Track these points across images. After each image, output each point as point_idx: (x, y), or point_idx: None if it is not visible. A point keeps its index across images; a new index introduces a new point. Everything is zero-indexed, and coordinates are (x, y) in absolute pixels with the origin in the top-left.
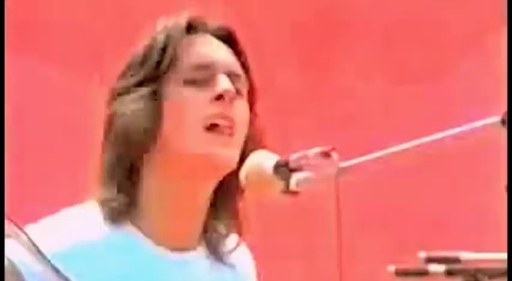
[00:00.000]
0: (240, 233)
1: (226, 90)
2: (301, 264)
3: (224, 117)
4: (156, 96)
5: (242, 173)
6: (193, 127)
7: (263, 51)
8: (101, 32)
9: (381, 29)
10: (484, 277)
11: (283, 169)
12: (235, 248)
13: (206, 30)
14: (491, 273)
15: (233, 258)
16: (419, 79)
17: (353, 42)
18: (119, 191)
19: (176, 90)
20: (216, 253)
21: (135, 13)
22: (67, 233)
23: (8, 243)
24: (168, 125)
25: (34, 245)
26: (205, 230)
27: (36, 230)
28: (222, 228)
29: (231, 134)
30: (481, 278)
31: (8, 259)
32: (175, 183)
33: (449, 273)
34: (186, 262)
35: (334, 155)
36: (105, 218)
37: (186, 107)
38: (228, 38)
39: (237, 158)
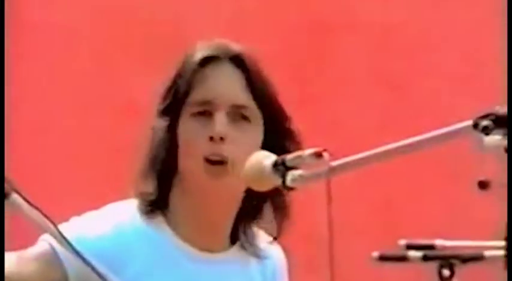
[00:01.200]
0: (279, 234)
1: (217, 133)
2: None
3: (215, 155)
4: (174, 128)
5: (244, 170)
6: (194, 159)
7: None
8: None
9: (368, 38)
10: (456, 261)
11: (281, 167)
12: (269, 244)
13: (224, 57)
14: (463, 258)
15: (265, 254)
16: (402, 84)
17: (341, 50)
18: (156, 188)
19: (186, 123)
20: (250, 248)
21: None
22: (108, 224)
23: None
24: (181, 152)
25: (64, 238)
26: (236, 235)
27: (83, 221)
28: (253, 226)
29: (222, 167)
30: (454, 262)
31: (51, 246)
32: (194, 202)
33: (426, 258)
34: (213, 262)
35: (326, 155)
36: (140, 211)
37: (190, 141)
38: (244, 66)
39: (236, 184)
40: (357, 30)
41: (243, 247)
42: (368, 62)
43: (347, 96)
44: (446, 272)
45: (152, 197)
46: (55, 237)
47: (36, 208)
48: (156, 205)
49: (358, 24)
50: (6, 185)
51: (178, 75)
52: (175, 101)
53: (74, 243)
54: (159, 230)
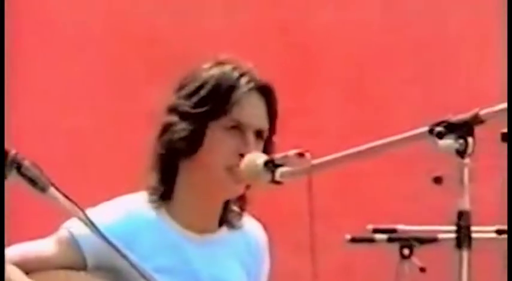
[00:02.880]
0: (243, 209)
1: (247, 151)
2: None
3: (237, 168)
4: (202, 132)
5: (241, 168)
6: (218, 164)
7: None
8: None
9: (346, 58)
10: (415, 242)
11: (271, 165)
12: (241, 219)
13: (254, 87)
14: (420, 240)
15: (248, 231)
16: (373, 98)
17: (321, 68)
18: (162, 182)
19: (219, 131)
20: (233, 226)
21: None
22: (119, 212)
23: (72, 220)
24: (203, 151)
25: (90, 221)
26: (224, 216)
27: (99, 208)
28: (235, 208)
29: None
30: (413, 243)
31: (70, 232)
32: (201, 189)
33: (389, 240)
34: (207, 241)
35: (307, 155)
36: (149, 202)
37: (220, 147)
38: (268, 95)
39: (243, 189)
40: (334, 53)
41: (230, 227)
42: (342, 79)
43: (326, 109)
44: (406, 252)
45: (159, 192)
46: (84, 222)
47: (69, 199)
48: (162, 197)
49: (335, 48)
50: (44, 180)
51: (215, 87)
52: (209, 113)
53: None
54: (162, 218)
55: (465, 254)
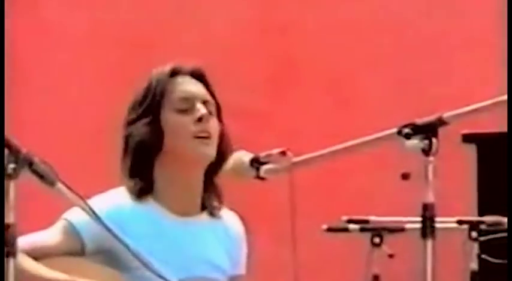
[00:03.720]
0: (220, 201)
1: (203, 115)
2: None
3: (204, 131)
4: (156, 122)
5: (228, 165)
6: (184, 139)
7: (240, 87)
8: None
9: (328, 61)
10: (384, 232)
11: (256, 163)
12: (220, 210)
13: (185, 72)
14: (390, 229)
15: (226, 220)
16: (353, 99)
17: (303, 71)
18: (138, 179)
19: (170, 116)
20: (213, 215)
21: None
22: (109, 204)
23: (71, 211)
24: (168, 138)
25: (91, 209)
26: (204, 204)
27: (92, 200)
28: (215, 201)
29: (208, 140)
30: (383, 233)
31: (69, 221)
32: (177, 172)
33: (362, 230)
34: (190, 223)
35: (289, 153)
36: (131, 197)
37: (179, 127)
38: (201, 77)
39: (214, 153)
40: (315, 55)
41: (210, 213)
42: (323, 82)
43: (307, 110)
44: (377, 240)
45: (138, 187)
46: (87, 212)
47: (74, 192)
48: (143, 191)
49: (316, 49)
50: (52, 176)
51: (151, 85)
52: (153, 103)
53: (87, 217)
54: (149, 207)
55: (429, 242)
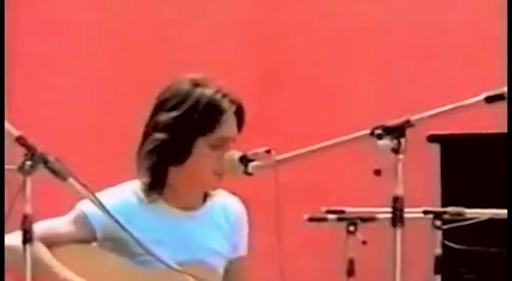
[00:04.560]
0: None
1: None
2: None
3: (221, 168)
4: (190, 145)
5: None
6: (205, 171)
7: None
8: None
9: (307, 77)
10: (359, 221)
11: (244, 160)
12: (223, 196)
13: (231, 109)
14: (363, 219)
15: (227, 205)
16: (335, 101)
17: (289, 76)
18: (152, 180)
19: (204, 148)
20: (211, 196)
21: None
22: (118, 198)
23: (83, 202)
24: (191, 162)
25: (98, 200)
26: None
27: (103, 194)
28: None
29: (223, 176)
30: (357, 222)
31: (82, 211)
32: (188, 183)
33: (339, 219)
34: (193, 216)
35: (273, 152)
36: (142, 192)
37: (206, 160)
38: (241, 116)
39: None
40: (301, 60)
41: (211, 201)
42: (307, 89)
43: (290, 113)
44: (351, 229)
45: (151, 188)
46: (95, 204)
47: (84, 186)
48: (154, 191)
49: (302, 54)
50: (64, 172)
51: (199, 107)
52: (197, 131)
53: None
54: (155, 203)
55: (398, 230)
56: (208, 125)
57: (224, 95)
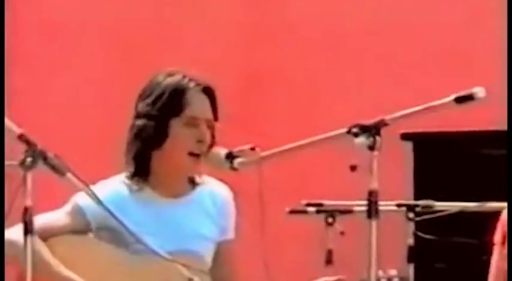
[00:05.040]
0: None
1: (203, 139)
2: None
3: (198, 150)
4: (165, 127)
5: (208, 158)
6: (181, 152)
7: (216, 91)
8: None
9: (286, 81)
10: (336, 213)
11: (230, 156)
12: (211, 182)
13: (199, 88)
14: (340, 211)
15: (214, 190)
16: (315, 100)
17: (271, 75)
18: (138, 166)
19: (178, 127)
20: (198, 183)
21: None
22: (110, 189)
23: (77, 195)
24: (168, 144)
25: (94, 194)
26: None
27: (95, 186)
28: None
29: (199, 158)
30: (335, 214)
31: (77, 204)
32: (170, 167)
33: (318, 212)
34: (181, 202)
35: (257, 149)
36: (130, 181)
37: (181, 140)
38: (211, 94)
39: (200, 168)
40: (282, 60)
41: (198, 187)
42: (286, 91)
43: (271, 113)
44: (330, 220)
45: (136, 173)
46: (91, 197)
47: (81, 180)
48: (139, 177)
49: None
50: (63, 167)
51: (169, 93)
52: (166, 111)
53: (91, 200)
54: (144, 192)
55: (374, 222)
56: (177, 105)
57: (190, 79)
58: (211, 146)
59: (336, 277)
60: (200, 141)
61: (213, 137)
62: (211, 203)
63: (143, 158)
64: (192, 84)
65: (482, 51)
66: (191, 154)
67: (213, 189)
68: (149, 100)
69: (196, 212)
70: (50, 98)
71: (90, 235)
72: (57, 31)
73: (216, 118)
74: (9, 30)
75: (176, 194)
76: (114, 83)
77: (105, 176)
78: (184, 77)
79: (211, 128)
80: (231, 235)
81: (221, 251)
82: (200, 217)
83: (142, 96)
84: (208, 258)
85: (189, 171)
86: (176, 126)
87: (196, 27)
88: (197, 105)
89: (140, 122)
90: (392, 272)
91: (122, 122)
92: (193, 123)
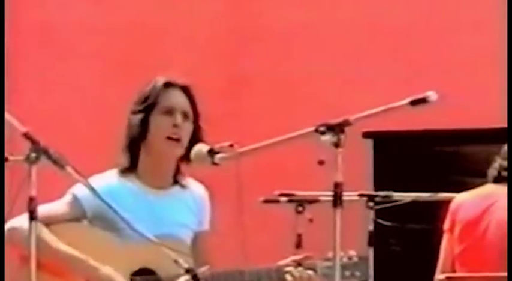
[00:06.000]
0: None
1: (178, 123)
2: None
3: (175, 134)
4: (147, 119)
5: (192, 154)
6: (161, 137)
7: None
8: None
9: (270, 82)
10: (305, 202)
11: (211, 152)
12: (190, 183)
13: (177, 86)
14: (309, 201)
15: (193, 189)
16: (284, 107)
17: (252, 79)
18: (128, 156)
19: (156, 117)
20: (182, 185)
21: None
22: (103, 181)
23: (77, 186)
24: (151, 133)
25: (90, 185)
26: (175, 179)
27: (91, 179)
28: (181, 176)
29: (178, 143)
30: (304, 203)
31: (75, 195)
32: (155, 157)
33: (289, 201)
34: (164, 194)
35: (236, 146)
36: (119, 173)
37: (159, 127)
38: (188, 92)
39: (181, 152)
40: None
41: (181, 186)
42: (267, 95)
43: (250, 114)
44: (300, 209)
45: (126, 165)
46: (88, 188)
47: (79, 173)
48: (129, 169)
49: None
50: (63, 161)
51: (150, 92)
52: (149, 106)
53: (87, 191)
54: (132, 183)
55: (338, 210)
56: (156, 100)
57: (170, 80)
58: (196, 141)
59: (303, 255)
60: (175, 126)
61: (198, 132)
62: (192, 200)
63: (132, 150)
64: (170, 84)
65: (435, 56)
66: (169, 138)
67: (192, 188)
68: (137, 100)
69: (178, 204)
70: (50, 98)
71: (85, 222)
72: (56, 33)
73: (196, 115)
74: (10, 32)
75: (161, 186)
76: (104, 84)
77: (101, 170)
78: (166, 78)
79: (188, 121)
80: (206, 226)
81: (198, 240)
82: (181, 208)
83: (135, 100)
84: (189, 242)
85: (169, 155)
86: (155, 117)
87: (183, 32)
88: (172, 98)
89: (130, 118)
90: (352, 252)
91: (116, 119)
92: (168, 111)
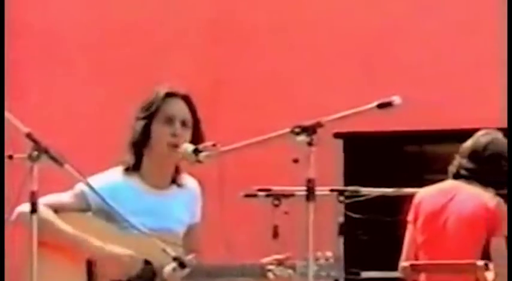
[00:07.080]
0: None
1: (176, 133)
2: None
3: (174, 142)
4: (150, 126)
5: (180, 150)
6: (161, 144)
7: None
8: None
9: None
10: (282, 197)
11: (196, 151)
12: (186, 179)
13: (178, 96)
14: (285, 195)
15: (188, 185)
16: (263, 110)
17: (228, 86)
18: (132, 157)
19: (158, 125)
20: (179, 185)
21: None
22: (105, 180)
23: (80, 183)
24: (153, 139)
25: (87, 182)
26: (173, 179)
27: (97, 176)
28: (178, 176)
29: (177, 149)
30: (280, 197)
31: (81, 189)
32: (156, 159)
33: (267, 196)
34: (163, 193)
35: (218, 145)
36: (123, 171)
37: (160, 135)
38: (188, 101)
39: (180, 157)
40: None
41: (178, 185)
42: (245, 99)
43: (232, 117)
44: (276, 202)
45: (130, 164)
46: (84, 184)
47: (77, 171)
48: (133, 168)
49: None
50: (62, 160)
51: (153, 100)
52: (151, 114)
53: (89, 190)
54: (134, 181)
55: (311, 204)
56: (157, 109)
57: (169, 89)
58: (198, 142)
59: (284, 255)
60: (174, 135)
61: (198, 134)
62: (187, 196)
63: (136, 155)
64: (172, 94)
65: (402, 60)
66: (169, 144)
67: (187, 183)
68: (141, 107)
69: (175, 202)
70: (53, 101)
71: (89, 213)
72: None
73: (196, 122)
74: (13, 36)
75: (161, 187)
76: (101, 86)
77: (101, 170)
78: (168, 89)
79: (188, 128)
80: (198, 218)
81: (191, 231)
82: (178, 206)
83: (140, 107)
84: (181, 235)
85: (169, 159)
86: (156, 125)
87: (170, 38)
88: (173, 107)
89: (136, 122)
90: (329, 253)
91: (116, 121)
92: (168, 120)
